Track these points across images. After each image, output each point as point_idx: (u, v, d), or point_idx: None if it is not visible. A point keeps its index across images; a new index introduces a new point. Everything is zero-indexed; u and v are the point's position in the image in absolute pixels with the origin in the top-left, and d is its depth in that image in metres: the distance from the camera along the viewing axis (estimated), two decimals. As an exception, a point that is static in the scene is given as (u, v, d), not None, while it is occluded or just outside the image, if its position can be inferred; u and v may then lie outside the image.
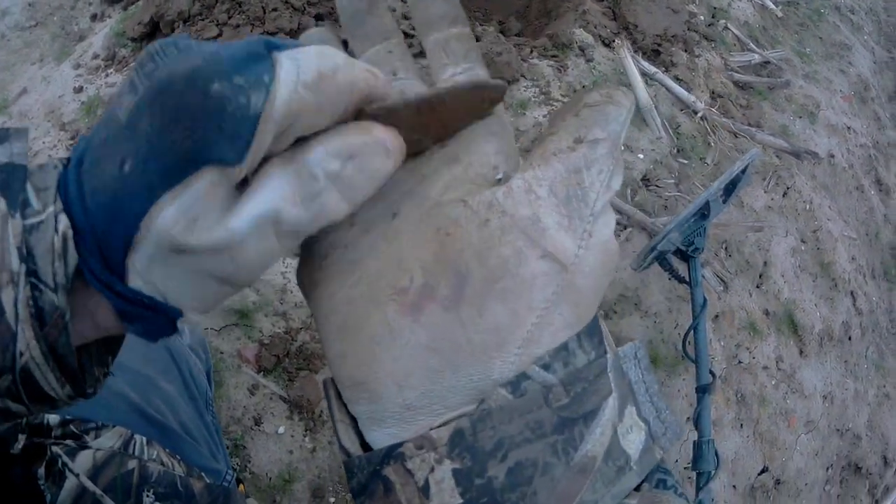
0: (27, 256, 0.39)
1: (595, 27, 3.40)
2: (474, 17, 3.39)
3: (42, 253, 0.39)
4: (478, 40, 2.89)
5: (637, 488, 0.41)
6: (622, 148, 0.44)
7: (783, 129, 3.79)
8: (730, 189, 1.99)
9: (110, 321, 0.42)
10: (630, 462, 0.40)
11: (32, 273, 0.39)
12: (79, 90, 2.90)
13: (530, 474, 0.38)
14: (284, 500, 1.90)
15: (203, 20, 2.73)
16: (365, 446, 0.44)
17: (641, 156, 3.05)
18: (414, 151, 0.45)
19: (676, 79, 3.44)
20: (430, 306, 0.41)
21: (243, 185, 0.39)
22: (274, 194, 0.39)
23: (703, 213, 1.95)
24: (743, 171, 1.98)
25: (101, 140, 0.40)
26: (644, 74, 3.35)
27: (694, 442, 1.84)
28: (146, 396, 1.01)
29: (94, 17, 3.36)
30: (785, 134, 3.73)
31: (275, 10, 2.70)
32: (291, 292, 2.19)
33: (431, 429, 0.40)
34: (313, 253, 0.47)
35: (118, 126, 0.39)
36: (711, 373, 1.91)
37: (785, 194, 3.47)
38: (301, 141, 0.40)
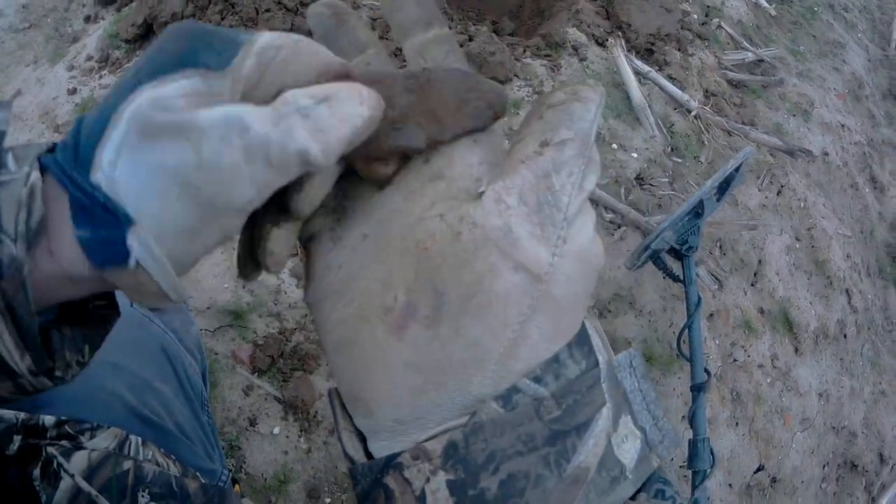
0: None
1: (588, 26, 3.40)
2: (467, 17, 3.39)
3: (8, 205, 0.40)
4: (470, 40, 2.89)
5: (633, 497, 0.41)
6: (594, 146, 0.44)
7: (777, 127, 3.79)
8: (724, 187, 2.00)
9: (69, 256, 0.42)
10: (625, 472, 0.40)
11: None
12: (73, 92, 2.89)
13: (522, 486, 0.38)
14: (280, 500, 1.90)
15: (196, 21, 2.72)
16: (369, 454, 0.45)
17: (635, 154, 3.05)
18: (405, 147, 0.44)
19: (670, 77, 3.44)
20: (412, 325, 0.41)
21: None
22: (244, 108, 0.40)
23: (697, 211, 1.96)
24: (737, 170, 1.98)
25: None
26: (637, 73, 3.35)
27: (689, 440, 1.85)
28: (142, 397, 1.01)
29: (87, 19, 3.35)
30: (779, 132, 3.73)
31: (268, 10, 2.70)
32: (285, 293, 2.18)
33: (424, 441, 0.41)
34: (313, 273, 0.49)
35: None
36: (706, 371, 1.91)
37: (779, 192, 3.48)
38: None
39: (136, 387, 1.02)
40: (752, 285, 3.12)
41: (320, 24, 0.52)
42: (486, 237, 0.40)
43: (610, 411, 0.41)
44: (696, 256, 2.03)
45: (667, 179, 3.07)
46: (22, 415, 0.84)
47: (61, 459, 0.83)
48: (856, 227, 3.93)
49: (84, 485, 0.83)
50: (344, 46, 0.51)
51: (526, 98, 2.97)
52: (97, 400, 0.95)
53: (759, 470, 2.78)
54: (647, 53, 3.50)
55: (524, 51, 3.20)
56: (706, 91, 3.59)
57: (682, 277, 2.03)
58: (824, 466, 3.07)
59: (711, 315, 2.87)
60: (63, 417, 0.87)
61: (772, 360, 3.01)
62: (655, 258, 2.05)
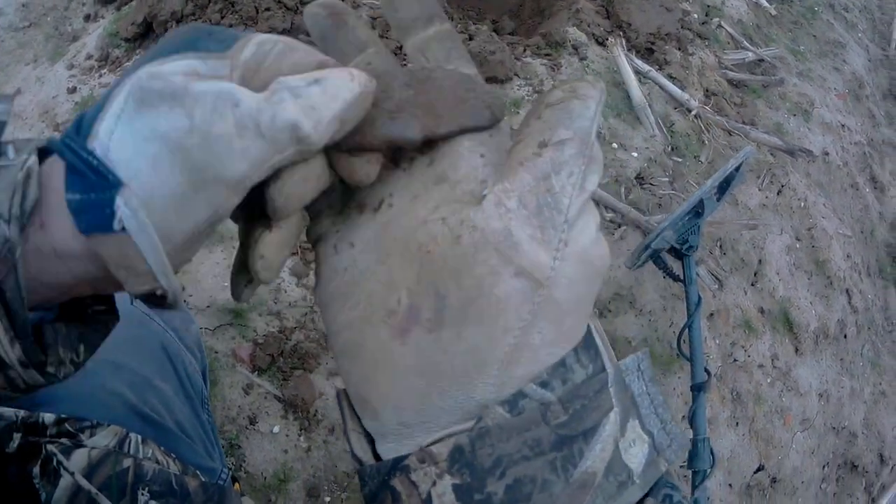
0: None
1: (588, 26, 3.40)
2: (467, 16, 3.38)
3: (3, 188, 0.40)
4: (471, 39, 2.88)
5: (641, 502, 0.41)
6: (596, 143, 0.43)
7: (777, 126, 3.79)
8: (724, 187, 2.00)
9: (59, 226, 0.42)
10: (633, 476, 0.40)
11: None
12: (72, 90, 2.89)
13: (529, 491, 0.38)
14: (280, 499, 1.90)
15: (196, 20, 2.72)
16: (377, 455, 0.45)
17: (635, 154, 3.05)
18: (399, 136, 0.44)
19: (670, 77, 3.44)
20: (415, 329, 0.41)
21: None
22: (236, 86, 0.41)
23: (698, 211, 1.96)
24: (737, 169, 1.98)
25: None
26: (638, 73, 3.35)
27: (689, 440, 1.85)
28: (142, 395, 1.01)
29: (87, 18, 3.35)
30: (779, 132, 3.73)
31: (267, 9, 2.70)
32: (285, 292, 2.18)
33: (430, 444, 0.40)
34: (321, 275, 0.48)
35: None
36: (706, 371, 1.91)
37: (779, 192, 3.48)
38: None
39: (136, 385, 1.02)
40: (753, 285, 3.12)
41: (317, 24, 0.51)
42: (486, 241, 0.40)
43: (618, 416, 0.40)
44: (696, 256, 2.03)
45: (667, 179, 3.07)
46: (22, 412, 0.83)
47: (61, 457, 0.83)
48: (856, 227, 3.93)
49: (84, 483, 0.82)
50: (343, 46, 0.51)
51: (526, 97, 2.96)
52: (97, 398, 0.95)
53: (759, 470, 2.78)
54: (647, 53, 3.50)
55: (524, 50, 3.20)
56: (706, 90, 3.59)
57: (682, 277, 2.03)
58: (824, 467, 3.07)
59: (712, 315, 2.87)
60: (63, 415, 0.87)
61: (772, 360, 3.01)
62: (656, 257, 2.05)
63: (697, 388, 1.89)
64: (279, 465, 1.93)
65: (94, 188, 0.40)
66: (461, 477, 0.38)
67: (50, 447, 0.83)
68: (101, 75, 2.92)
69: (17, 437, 0.82)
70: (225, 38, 0.43)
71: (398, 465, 0.41)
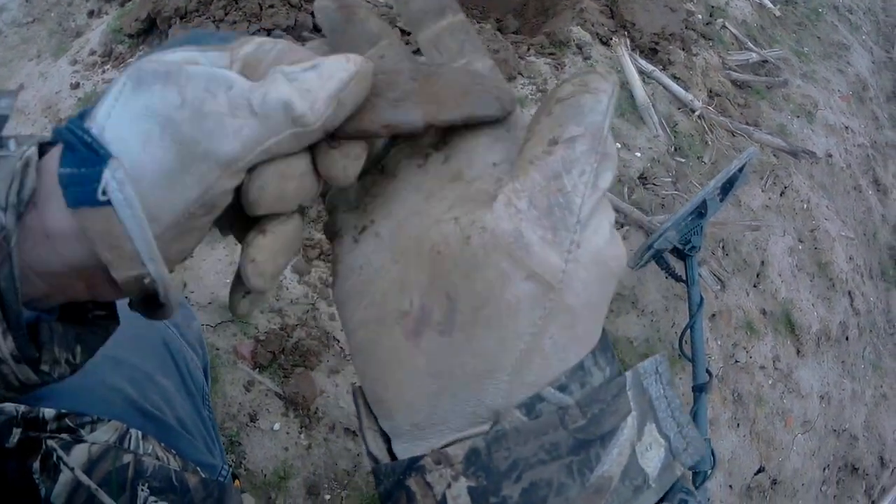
0: None
1: (593, 25, 3.40)
2: (471, 15, 3.39)
3: (1, 177, 0.40)
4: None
5: None
6: (609, 139, 0.41)
7: (781, 128, 3.79)
8: (727, 188, 1.99)
9: (50, 205, 0.41)
10: (648, 480, 0.39)
11: None
12: (76, 86, 2.89)
13: (544, 494, 0.37)
14: (280, 497, 1.90)
15: (200, 16, 2.72)
16: (393, 454, 0.45)
17: (639, 154, 3.05)
18: (400, 122, 0.43)
19: (674, 77, 3.44)
20: (427, 332, 0.40)
21: None
22: (231, 72, 0.41)
23: (701, 211, 1.95)
24: (740, 170, 1.98)
25: None
26: (641, 73, 3.35)
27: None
28: (143, 391, 1.01)
29: (91, 14, 3.35)
30: (783, 133, 3.73)
31: (271, 6, 2.69)
32: (287, 289, 2.18)
33: (445, 446, 0.40)
34: (338, 272, 0.48)
35: None
36: (708, 372, 1.91)
37: (782, 193, 3.48)
38: None
39: (137, 380, 1.02)
40: (755, 286, 3.12)
41: (327, 18, 0.49)
42: (497, 243, 0.38)
43: (635, 419, 0.40)
44: (698, 257, 2.03)
45: (670, 179, 3.06)
46: (22, 407, 0.83)
47: (61, 452, 0.82)
48: (859, 230, 3.93)
49: (84, 478, 0.82)
50: (355, 40, 0.49)
51: (529, 96, 2.96)
52: (98, 393, 0.95)
53: (759, 471, 2.78)
54: (651, 53, 3.50)
55: (528, 49, 3.20)
56: (710, 91, 3.59)
57: (684, 277, 2.03)
58: (825, 469, 3.07)
59: (713, 316, 2.87)
60: (63, 410, 0.87)
61: (773, 361, 3.01)
62: (658, 258, 2.05)
63: (699, 389, 1.89)
64: (279, 463, 1.93)
65: (84, 162, 0.39)
66: (477, 479, 0.38)
67: (50, 442, 0.83)
68: (104, 71, 2.93)
69: (16, 431, 0.81)
70: (227, 37, 0.43)
71: (413, 466, 0.40)
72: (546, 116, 0.41)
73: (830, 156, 4.00)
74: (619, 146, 3.00)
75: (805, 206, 3.52)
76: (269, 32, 2.63)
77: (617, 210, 2.78)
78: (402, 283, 0.42)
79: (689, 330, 1.96)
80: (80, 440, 0.85)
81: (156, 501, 0.87)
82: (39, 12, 3.46)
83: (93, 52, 3.01)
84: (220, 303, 2.10)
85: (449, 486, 0.38)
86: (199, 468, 0.98)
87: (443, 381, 0.40)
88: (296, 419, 2.00)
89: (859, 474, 3.20)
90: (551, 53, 3.20)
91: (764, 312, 3.08)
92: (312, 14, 2.75)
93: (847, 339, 3.43)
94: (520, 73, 3.02)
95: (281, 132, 0.40)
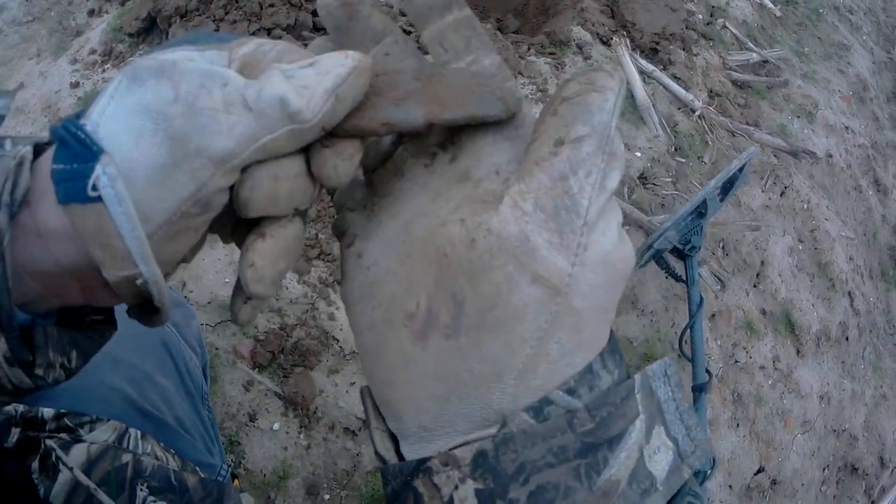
0: None
1: (593, 25, 3.40)
2: (472, 15, 3.38)
3: None
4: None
5: None
6: (616, 138, 0.40)
7: (781, 128, 3.79)
8: (727, 188, 1.99)
9: (43, 204, 0.41)
10: (656, 483, 0.39)
11: None
12: (75, 85, 2.89)
13: (551, 498, 0.37)
14: (279, 496, 1.90)
15: (200, 16, 2.72)
16: (401, 454, 0.45)
17: (639, 154, 3.05)
18: (401, 121, 0.42)
19: (674, 77, 3.44)
20: (434, 335, 0.40)
21: None
22: (228, 70, 0.40)
23: (701, 211, 1.95)
24: (740, 170, 1.98)
25: None
26: (642, 72, 3.35)
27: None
28: (142, 391, 1.01)
29: (91, 13, 3.35)
30: (783, 133, 3.73)
31: (271, 5, 2.69)
32: (286, 288, 2.18)
33: (453, 448, 0.40)
34: (346, 272, 0.47)
35: None
36: (708, 372, 1.91)
37: (783, 194, 3.47)
38: None
39: (136, 380, 1.01)
40: (755, 286, 3.12)
41: (331, 16, 0.48)
42: (502, 246, 0.38)
43: (643, 423, 0.39)
44: (698, 256, 2.03)
45: (670, 179, 3.06)
46: (21, 407, 0.83)
47: (60, 452, 0.82)
48: (859, 230, 3.93)
49: (83, 478, 0.82)
50: (358, 37, 0.48)
51: (530, 95, 2.96)
52: (97, 393, 0.95)
53: (759, 472, 2.78)
54: (651, 52, 3.50)
55: (528, 48, 3.20)
56: (710, 91, 3.59)
57: (684, 277, 2.03)
58: (824, 469, 3.07)
59: (713, 316, 2.87)
60: (62, 410, 0.87)
61: (773, 361, 3.01)
62: (658, 258, 2.05)
63: (698, 389, 1.89)
64: (279, 463, 1.93)
65: (77, 158, 0.39)
66: (484, 482, 0.38)
67: (49, 442, 0.83)
68: (104, 70, 2.92)
69: (15, 431, 0.81)
70: (226, 38, 0.42)
71: (421, 467, 0.40)
72: (552, 116, 0.40)
73: (831, 156, 4.00)
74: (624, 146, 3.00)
75: (805, 206, 3.52)
76: (269, 32, 2.63)
77: (617, 210, 2.78)
78: (409, 285, 0.41)
79: (688, 330, 1.96)
80: (78, 440, 0.85)
81: (154, 501, 0.87)
82: (39, 11, 3.46)
83: (93, 52, 3.01)
84: (220, 302, 2.09)
85: (456, 487, 0.38)
86: (198, 468, 0.98)
87: (450, 384, 0.40)
88: (295, 419, 2.00)
89: (859, 474, 3.20)
90: (551, 53, 3.20)
91: (764, 312, 3.08)
92: (313, 13, 2.75)
93: (847, 339, 3.43)
94: (520, 73, 3.02)
95: (277, 129, 0.39)
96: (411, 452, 0.43)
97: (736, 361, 2.87)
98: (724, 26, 4.06)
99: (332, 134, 0.41)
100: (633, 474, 0.38)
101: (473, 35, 0.47)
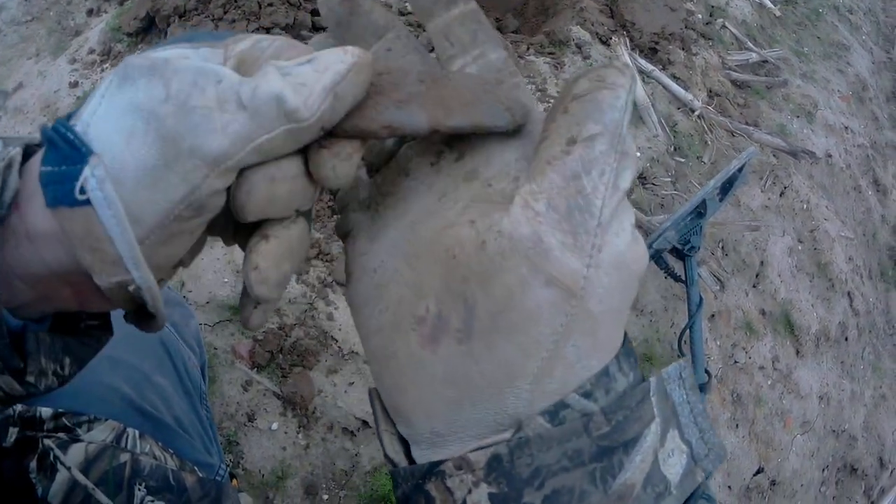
0: None
1: (592, 24, 3.40)
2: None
3: None
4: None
5: None
6: (628, 136, 0.39)
7: (781, 128, 3.79)
8: (726, 188, 1.99)
9: (32, 205, 0.40)
10: (670, 487, 0.38)
11: None
12: (74, 85, 2.89)
13: (566, 501, 0.37)
14: (277, 496, 1.89)
15: (199, 15, 2.72)
16: (410, 457, 0.44)
17: (638, 154, 3.05)
18: (403, 124, 0.40)
19: (674, 77, 3.43)
20: (444, 339, 0.39)
21: None
22: (222, 67, 0.39)
23: (700, 211, 1.95)
24: (740, 170, 1.98)
25: None
26: (641, 72, 3.35)
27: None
28: (140, 390, 1.00)
29: (90, 13, 3.35)
30: (782, 133, 3.73)
31: (270, 5, 2.69)
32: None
33: (467, 452, 0.39)
34: (351, 274, 0.46)
35: None
36: (707, 372, 1.91)
37: (782, 194, 3.47)
38: None
39: (134, 380, 1.01)
40: (754, 286, 3.12)
41: (331, 11, 0.47)
42: (514, 248, 0.37)
43: (658, 426, 0.39)
44: (698, 257, 2.03)
45: (669, 179, 3.06)
46: (19, 407, 0.83)
47: (58, 452, 0.82)
48: (858, 230, 3.93)
49: (80, 477, 0.82)
50: (360, 33, 0.47)
51: (529, 96, 2.96)
52: (95, 392, 0.95)
53: (758, 472, 2.78)
54: (650, 52, 3.50)
55: (528, 48, 3.20)
56: (710, 91, 3.59)
57: (683, 277, 2.03)
58: (824, 470, 3.07)
59: (713, 316, 2.87)
60: (60, 409, 0.87)
61: (773, 362, 3.01)
62: (657, 258, 2.04)
63: (698, 390, 1.89)
64: (277, 463, 1.93)
65: (66, 160, 0.38)
66: (498, 486, 0.37)
67: (47, 441, 0.82)
68: (102, 70, 2.92)
69: (13, 431, 0.81)
70: (222, 36, 0.41)
71: (433, 470, 0.39)
72: (562, 114, 0.39)
73: (830, 156, 4.00)
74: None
75: (804, 206, 3.52)
76: (268, 31, 2.62)
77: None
78: (418, 287, 0.41)
79: (688, 330, 1.96)
80: (76, 439, 0.85)
81: (152, 501, 0.86)
82: (38, 11, 3.46)
83: (92, 51, 3.01)
84: (218, 302, 2.09)
85: (469, 491, 0.38)
86: (196, 467, 0.97)
87: (462, 389, 0.39)
88: (294, 419, 2.00)
89: (858, 475, 3.20)
90: (551, 53, 3.20)
91: (763, 313, 3.08)
92: (312, 12, 2.75)
93: (846, 339, 3.43)
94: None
95: (273, 128, 0.38)
96: (422, 457, 0.42)
97: (735, 362, 2.87)
98: (724, 26, 4.06)
99: (332, 134, 0.40)
100: (648, 478, 0.38)
101: (479, 29, 0.47)
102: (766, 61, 4.10)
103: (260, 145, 0.38)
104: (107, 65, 2.94)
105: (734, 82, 3.82)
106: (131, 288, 0.41)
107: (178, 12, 2.77)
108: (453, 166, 0.44)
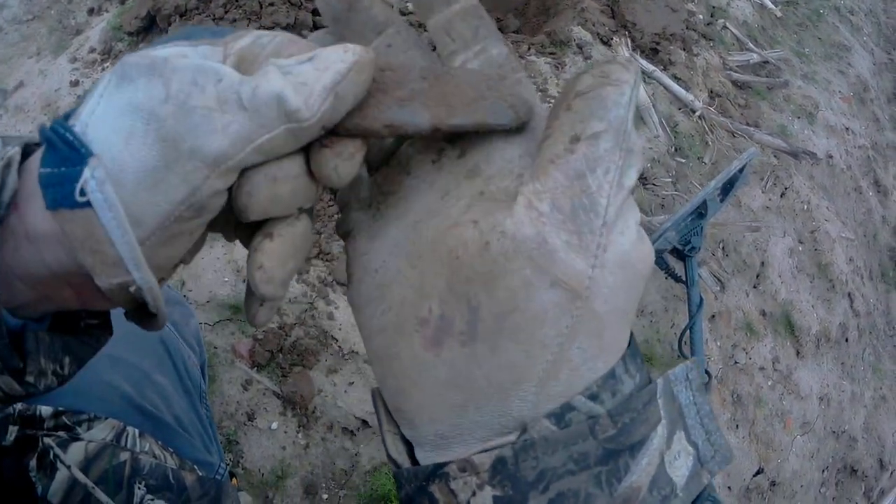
0: None
1: (593, 25, 3.40)
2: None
3: None
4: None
5: None
6: (633, 133, 0.38)
7: (781, 129, 3.79)
8: (727, 188, 1.99)
9: (31, 206, 0.40)
10: (676, 489, 0.38)
11: None
12: (75, 84, 2.89)
13: None
14: (277, 496, 1.89)
15: (199, 14, 2.72)
16: (414, 457, 0.43)
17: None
18: (405, 123, 0.40)
19: (675, 77, 3.43)
20: (448, 341, 0.39)
21: None
22: (222, 65, 0.39)
23: (701, 212, 1.95)
24: (740, 171, 1.98)
25: None
26: (642, 73, 3.35)
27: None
28: (140, 389, 1.00)
29: (91, 12, 3.35)
30: (783, 134, 3.73)
31: (271, 4, 2.69)
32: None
33: (471, 455, 0.38)
34: (353, 274, 0.46)
35: None
36: (707, 373, 1.91)
37: (783, 194, 3.47)
38: None
39: (134, 378, 1.01)
40: (755, 287, 3.12)
41: (329, 7, 0.46)
42: (518, 249, 0.36)
43: (665, 428, 0.38)
44: (698, 257, 2.03)
45: (670, 180, 3.06)
46: (19, 405, 0.83)
47: (58, 450, 0.82)
48: (859, 231, 3.93)
49: (80, 476, 0.82)
50: (359, 29, 0.46)
51: (530, 96, 2.96)
52: (95, 391, 0.95)
53: (758, 473, 2.78)
54: (651, 53, 3.50)
55: (529, 48, 3.19)
56: (711, 91, 3.59)
57: (684, 278, 2.03)
58: (824, 471, 3.07)
59: (713, 316, 2.87)
60: (60, 408, 0.87)
61: (773, 362, 3.01)
62: (658, 258, 2.05)
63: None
64: (277, 462, 1.93)
65: (65, 162, 0.38)
66: (503, 489, 0.37)
67: (47, 440, 0.82)
68: (103, 68, 2.92)
69: (13, 429, 0.81)
70: (222, 32, 0.41)
71: (437, 472, 0.39)
72: (566, 111, 0.39)
73: (831, 157, 4.00)
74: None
75: (805, 207, 3.51)
76: (269, 31, 2.63)
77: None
78: (420, 288, 0.40)
79: (688, 330, 1.96)
80: (76, 438, 0.85)
81: (152, 499, 0.86)
82: (40, 9, 3.46)
83: (92, 50, 3.01)
84: (218, 301, 2.09)
85: (474, 494, 0.37)
86: (195, 466, 0.97)
87: (466, 392, 0.39)
88: (294, 418, 2.00)
89: (858, 476, 3.20)
90: (552, 53, 3.20)
91: (764, 313, 3.08)
92: (313, 12, 2.75)
93: (847, 340, 3.43)
94: (520, 73, 3.02)
95: (273, 128, 0.37)
96: (427, 459, 0.42)
97: (735, 362, 2.87)
98: (725, 27, 4.06)
99: (333, 132, 0.40)
100: (654, 481, 0.37)
101: (481, 24, 0.45)
102: (767, 62, 4.10)
103: (260, 145, 0.38)
104: (107, 64, 2.94)
105: (735, 83, 3.82)
106: (132, 289, 0.40)
107: (179, 11, 2.77)
108: (455, 164, 0.43)
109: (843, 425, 3.23)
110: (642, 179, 2.99)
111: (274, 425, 1.97)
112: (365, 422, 2.04)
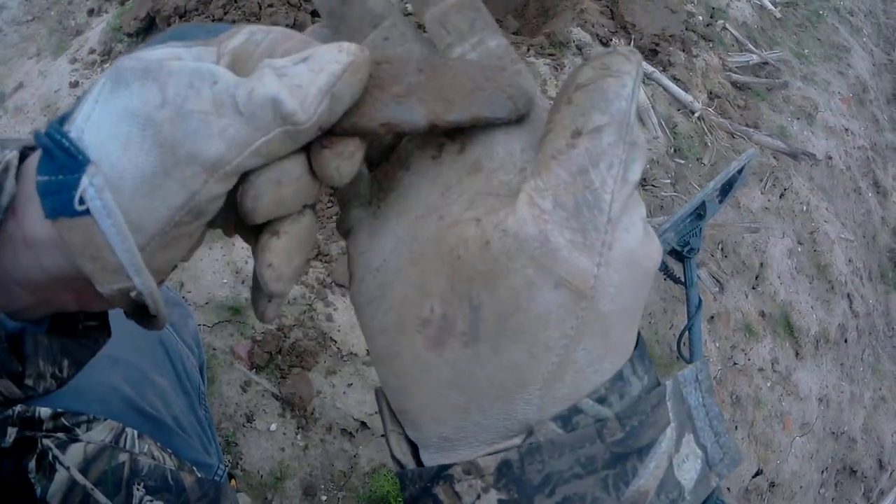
0: None
1: (593, 26, 3.40)
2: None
3: None
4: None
5: None
6: (636, 126, 0.37)
7: (781, 130, 3.79)
8: (726, 189, 1.99)
9: (29, 212, 0.40)
10: (684, 493, 0.38)
11: None
12: (75, 85, 2.89)
13: None
14: (276, 497, 1.89)
15: (199, 15, 2.72)
16: (418, 458, 0.43)
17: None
18: (401, 121, 0.39)
19: (674, 78, 3.43)
20: (450, 342, 0.38)
21: None
22: (217, 66, 0.38)
23: (699, 213, 1.95)
24: (739, 172, 1.98)
25: None
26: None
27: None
28: (139, 390, 1.00)
29: (90, 13, 3.35)
30: (782, 135, 3.73)
31: (271, 6, 2.69)
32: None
33: (476, 457, 0.38)
34: (354, 273, 0.45)
35: None
36: (707, 373, 1.90)
37: (782, 195, 3.47)
38: None
39: (133, 379, 1.01)
40: (754, 288, 3.11)
41: (325, 1, 0.46)
42: (520, 248, 0.35)
43: (674, 431, 0.38)
44: (697, 258, 2.03)
45: (669, 181, 3.06)
46: (18, 407, 0.83)
47: (57, 452, 0.82)
48: (858, 232, 3.93)
49: (79, 477, 0.82)
50: (355, 22, 0.45)
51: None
52: (94, 392, 0.95)
53: (757, 474, 2.78)
54: (651, 54, 3.50)
55: (528, 49, 3.19)
56: (710, 93, 3.59)
57: (683, 279, 2.02)
58: (823, 472, 3.07)
59: (712, 318, 2.87)
60: (59, 409, 0.87)
61: (772, 363, 3.01)
62: (657, 259, 2.04)
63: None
64: (276, 463, 1.93)
65: (62, 169, 0.37)
66: (508, 493, 0.36)
67: (46, 441, 0.82)
68: (103, 70, 2.92)
69: (12, 431, 0.81)
70: (215, 30, 0.41)
71: (442, 474, 0.38)
72: (566, 105, 0.38)
73: (830, 158, 3.99)
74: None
75: (804, 208, 3.51)
76: (268, 32, 2.63)
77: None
78: (422, 287, 0.39)
79: (687, 332, 1.95)
80: (75, 439, 0.85)
81: (151, 501, 0.86)
82: (39, 10, 3.46)
83: (92, 51, 3.01)
84: (217, 302, 2.09)
85: (478, 497, 0.37)
86: (194, 467, 0.97)
87: (468, 393, 0.38)
88: (292, 420, 2.00)
89: (857, 477, 3.20)
90: (551, 54, 3.20)
91: (763, 314, 3.08)
92: (312, 13, 2.75)
93: (846, 341, 3.43)
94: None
95: (270, 131, 0.37)
96: (431, 461, 0.42)
97: (734, 363, 2.87)
98: (724, 28, 4.06)
99: (331, 132, 0.39)
100: (662, 484, 0.37)
101: (478, 16, 0.45)
102: (766, 63, 4.10)
103: (258, 149, 0.38)
104: (107, 65, 2.94)
105: (734, 84, 3.82)
106: (133, 294, 0.40)
107: (179, 12, 2.76)
108: (456, 159, 0.42)
109: (842, 426, 3.22)
110: (641, 181, 2.98)
111: (273, 427, 1.96)
112: (364, 423, 2.04)
